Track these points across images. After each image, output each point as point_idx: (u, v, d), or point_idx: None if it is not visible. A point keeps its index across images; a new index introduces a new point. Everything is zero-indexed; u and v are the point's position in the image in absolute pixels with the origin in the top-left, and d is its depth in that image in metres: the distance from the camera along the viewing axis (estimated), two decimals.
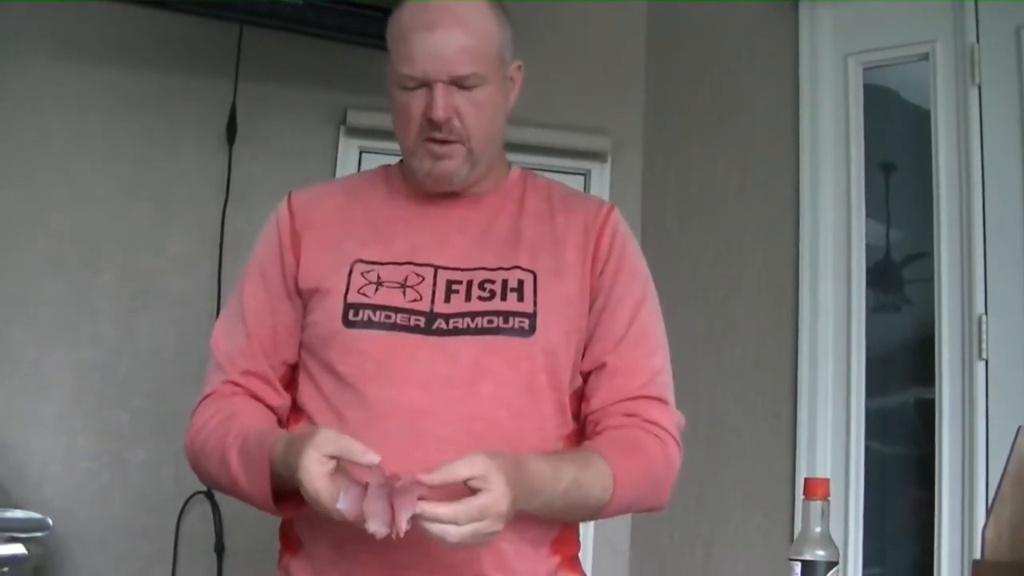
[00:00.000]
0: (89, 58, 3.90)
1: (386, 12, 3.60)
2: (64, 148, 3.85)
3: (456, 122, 2.05)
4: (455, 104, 2.04)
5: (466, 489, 1.74)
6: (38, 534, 3.30)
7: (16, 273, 3.76)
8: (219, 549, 3.75)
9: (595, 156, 4.20)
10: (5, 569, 3.08)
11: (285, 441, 1.87)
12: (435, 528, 1.70)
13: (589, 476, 1.96)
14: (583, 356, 2.13)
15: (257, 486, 1.91)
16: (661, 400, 2.11)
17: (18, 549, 3.16)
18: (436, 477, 1.72)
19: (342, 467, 1.78)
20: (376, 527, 1.69)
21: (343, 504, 1.71)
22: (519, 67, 2.19)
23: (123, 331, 3.81)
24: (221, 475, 2.02)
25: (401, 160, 2.24)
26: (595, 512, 2.03)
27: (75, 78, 3.89)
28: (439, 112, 2.02)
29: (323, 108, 4.06)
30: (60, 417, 3.72)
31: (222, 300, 3.74)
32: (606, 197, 4.10)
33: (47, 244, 3.79)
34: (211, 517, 3.74)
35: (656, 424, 2.08)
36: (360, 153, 4.06)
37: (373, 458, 1.74)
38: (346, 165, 4.02)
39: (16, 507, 3.32)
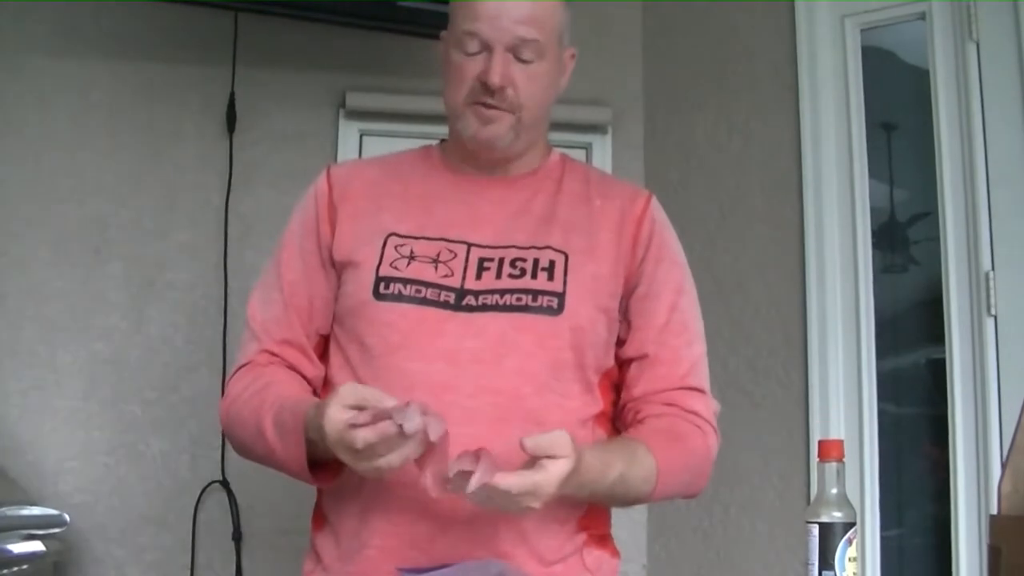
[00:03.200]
0: (88, 52, 3.90)
1: None
2: (67, 141, 3.86)
3: (510, 91, 2.07)
4: (511, 73, 2.06)
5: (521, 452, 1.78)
6: (56, 530, 3.31)
7: (24, 267, 3.77)
8: (237, 537, 3.75)
9: (596, 128, 4.19)
10: (24, 567, 3.09)
11: (315, 404, 1.88)
12: (476, 492, 1.74)
13: (635, 471, 2.00)
14: (624, 343, 2.16)
15: (293, 453, 1.93)
16: (699, 390, 2.16)
17: (36, 546, 3.17)
18: (533, 445, 1.77)
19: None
20: (411, 426, 1.71)
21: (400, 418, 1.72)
22: (572, 55, 2.24)
23: (133, 321, 3.81)
24: (256, 444, 2.04)
25: (442, 140, 2.28)
26: (636, 502, 2.07)
27: (75, 72, 3.89)
28: (495, 77, 2.05)
29: (322, 91, 4.05)
30: (74, 411, 3.73)
31: (229, 286, 3.76)
32: (608, 168, 4.10)
33: (54, 237, 3.80)
34: (228, 505, 3.75)
35: (696, 414, 2.13)
36: (360, 136, 4.05)
37: (390, 401, 1.75)
38: (347, 148, 4.01)
39: (33, 503, 3.33)
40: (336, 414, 1.77)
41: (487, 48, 2.06)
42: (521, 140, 2.15)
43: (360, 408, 1.77)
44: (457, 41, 2.09)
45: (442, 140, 2.29)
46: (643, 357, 2.14)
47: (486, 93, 2.07)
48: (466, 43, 2.07)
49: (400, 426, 1.71)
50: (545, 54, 2.10)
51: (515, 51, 2.06)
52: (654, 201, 2.24)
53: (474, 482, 1.71)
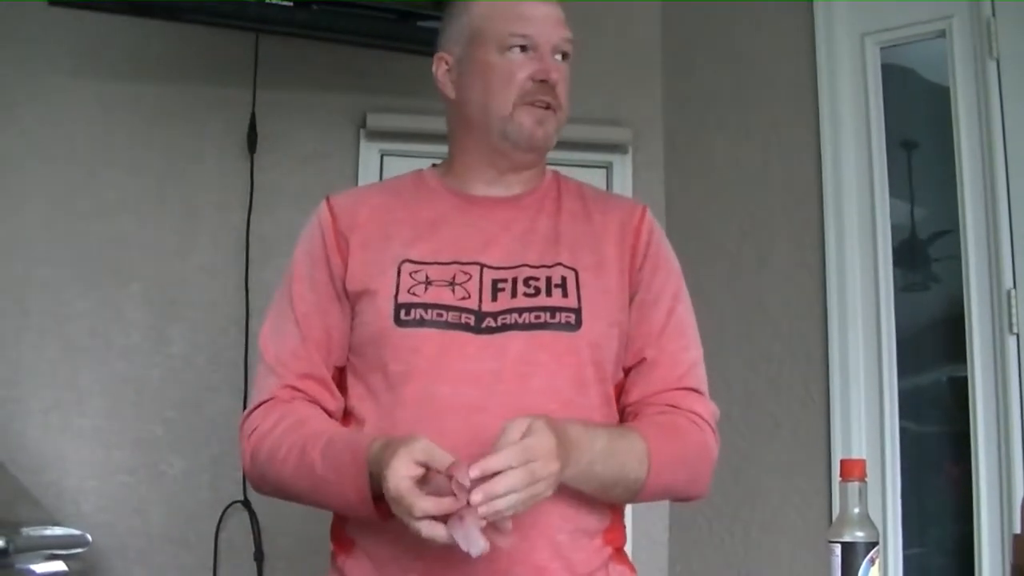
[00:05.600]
0: (109, 73, 3.92)
1: (400, 14, 3.65)
2: (88, 162, 3.88)
3: (559, 89, 2.14)
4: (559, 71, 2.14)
5: None
6: (78, 550, 3.32)
7: (46, 287, 3.79)
8: (259, 557, 3.76)
9: (615, 148, 4.19)
10: None
11: (383, 442, 1.87)
12: (503, 503, 1.73)
13: (624, 445, 2.00)
14: (626, 349, 2.16)
15: (353, 485, 1.90)
16: (697, 391, 2.15)
17: (59, 566, 3.17)
18: (499, 459, 1.75)
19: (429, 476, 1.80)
20: (476, 551, 1.75)
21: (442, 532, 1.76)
22: None
23: (154, 342, 3.83)
24: (299, 479, 2.01)
25: (433, 164, 2.29)
26: (635, 488, 2.02)
27: (96, 93, 3.92)
28: (554, 74, 2.12)
29: (342, 112, 4.07)
30: (96, 430, 3.74)
31: (250, 306, 3.77)
32: (629, 188, 4.12)
33: (75, 257, 3.82)
34: (249, 525, 3.75)
35: (693, 412, 2.11)
36: (381, 156, 4.06)
37: (453, 464, 1.77)
38: (367, 168, 4.03)
39: (55, 523, 3.33)
40: (402, 468, 1.78)
41: (534, 48, 2.13)
42: (553, 141, 2.20)
43: (426, 466, 1.78)
44: (500, 44, 2.14)
45: (433, 164, 2.30)
46: (641, 362, 2.15)
47: (543, 92, 2.12)
48: (513, 41, 2.13)
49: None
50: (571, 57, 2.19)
51: (560, 49, 2.15)
52: (649, 212, 2.26)
53: (468, 482, 1.72)
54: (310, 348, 2.14)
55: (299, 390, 2.12)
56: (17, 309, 3.77)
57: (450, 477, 1.75)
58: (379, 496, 1.87)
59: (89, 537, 3.37)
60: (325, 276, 2.16)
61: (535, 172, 2.26)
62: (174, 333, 3.85)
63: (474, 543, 1.74)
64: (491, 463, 1.73)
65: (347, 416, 2.15)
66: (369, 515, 1.93)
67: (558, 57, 2.15)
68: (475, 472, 1.72)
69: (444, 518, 1.76)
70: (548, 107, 2.13)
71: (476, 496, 1.71)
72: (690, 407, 2.11)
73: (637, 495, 2.05)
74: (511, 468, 1.74)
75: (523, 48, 2.13)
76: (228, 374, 3.78)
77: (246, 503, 3.74)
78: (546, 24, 2.13)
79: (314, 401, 2.13)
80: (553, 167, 2.34)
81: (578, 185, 2.32)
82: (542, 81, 2.11)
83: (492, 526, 1.77)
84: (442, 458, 1.78)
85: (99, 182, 3.87)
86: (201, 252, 3.91)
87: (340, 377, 2.18)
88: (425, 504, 1.75)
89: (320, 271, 2.17)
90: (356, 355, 2.14)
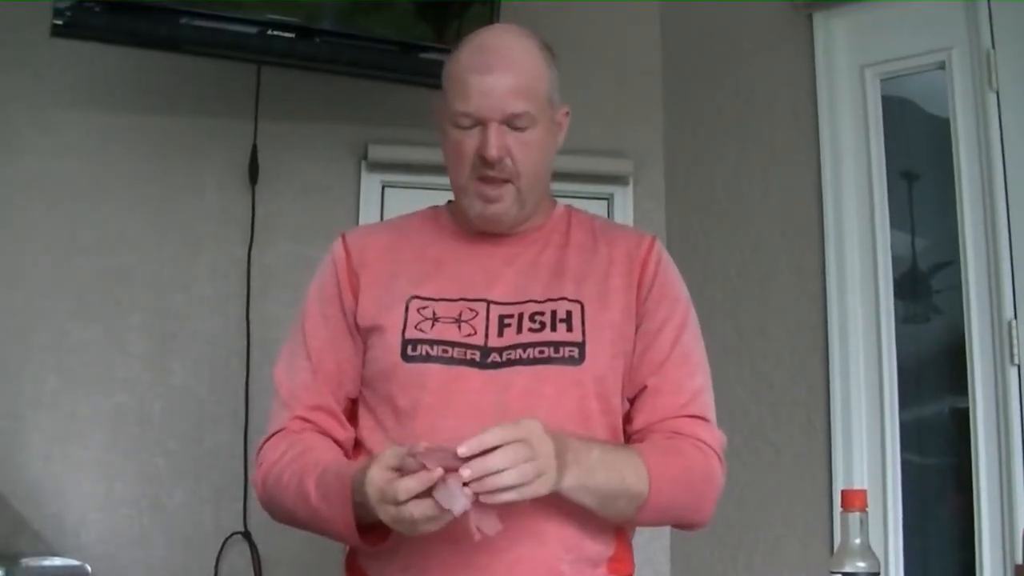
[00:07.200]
0: (110, 104, 3.93)
1: (402, 46, 3.66)
2: (90, 193, 3.88)
3: (508, 161, 2.11)
4: (507, 144, 2.10)
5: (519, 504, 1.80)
6: None
7: (47, 319, 3.78)
8: None
9: (617, 179, 4.20)
10: None
11: (361, 467, 1.89)
12: (502, 479, 1.75)
13: (620, 456, 2.01)
14: (629, 378, 2.17)
15: (339, 514, 1.94)
16: (703, 419, 2.16)
17: None
18: (493, 434, 1.78)
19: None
20: (458, 508, 1.74)
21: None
22: (566, 112, 2.27)
23: (155, 373, 3.82)
24: (298, 507, 2.05)
25: (449, 201, 2.32)
26: (638, 502, 2.01)
27: (98, 124, 3.92)
28: (492, 151, 2.09)
29: (344, 143, 4.07)
30: (96, 462, 3.73)
31: (252, 338, 3.76)
32: (630, 219, 4.12)
33: (76, 288, 3.81)
34: (250, 557, 3.74)
35: (698, 439, 2.12)
36: (382, 187, 4.06)
37: (416, 447, 1.79)
38: (369, 200, 4.03)
39: (55, 555, 3.32)
40: (377, 475, 1.81)
41: (481, 123, 2.11)
42: (526, 206, 2.19)
43: (400, 470, 1.79)
44: (452, 119, 2.14)
45: (449, 201, 2.33)
46: (644, 389, 2.16)
47: (485, 166, 2.11)
48: (461, 121, 2.12)
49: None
50: (537, 121, 2.14)
51: (508, 123, 2.11)
52: (658, 243, 2.28)
53: (464, 453, 1.73)
54: (320, 381, 2.18)
55: (309, 421, 2.17)
56: (18, 341, 3.76)
57: (415, 456, 1.77)
58: (377, 525, 1.89)
59: (89, 568, 3.35)
60: (338, 311, 2.20)
61: (541, 210, 2.28)
62: (175, 365, 3.84)
63: (456, 500, 1.73)
64: (485, 437, 1.75)
65: (357, 447, 2.18)
66: (356, 543, 1.98)
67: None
68: (463, 449, 1.73)
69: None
70: (497, 182, 2.13)
71: (466, 471, 1.72)
72: (694, 434, 2.12)
73: (640, 511, 2.03)
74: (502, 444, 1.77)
75: (471, 123, 2.12)
76: (230, 405, 3.78)
77: (247, 534, 3.73)
78: (491, 98, 2.10)
79: (324, 432, 2.17)
80: (560, 199, 2.36)
81: (590, 218, 2.35)
82: (483, 157, 2.11)
83: (480, 508, 1.77)
84: (402, 452, 1.81)
85: (100, 214, 3.87)
86: (202, 284, 3.90)
87: (353, 408, 2.21)
88: (407, 484, 1.76)
89: (333, 306, 2.21)
90: (367, 388, 2.17)
